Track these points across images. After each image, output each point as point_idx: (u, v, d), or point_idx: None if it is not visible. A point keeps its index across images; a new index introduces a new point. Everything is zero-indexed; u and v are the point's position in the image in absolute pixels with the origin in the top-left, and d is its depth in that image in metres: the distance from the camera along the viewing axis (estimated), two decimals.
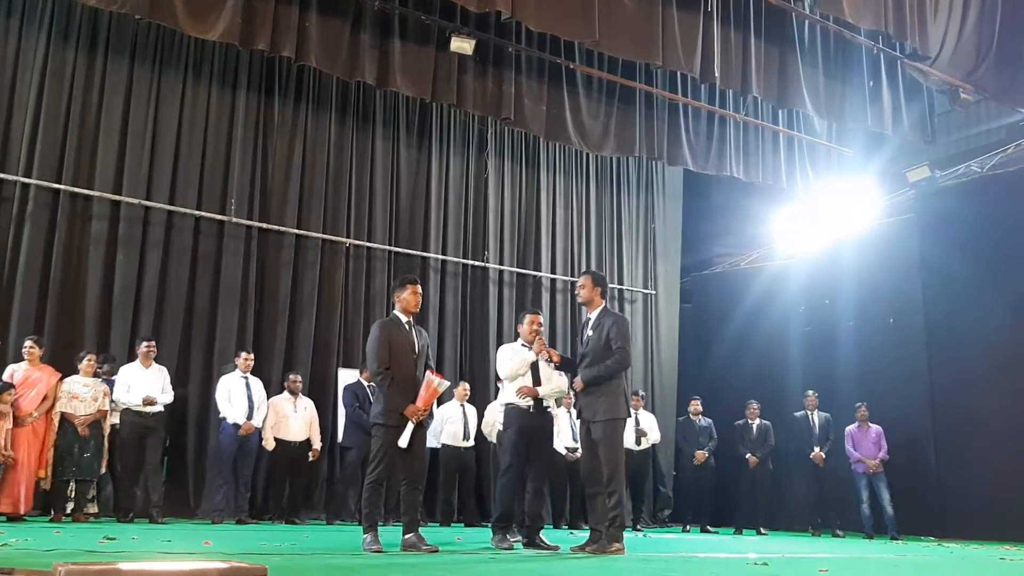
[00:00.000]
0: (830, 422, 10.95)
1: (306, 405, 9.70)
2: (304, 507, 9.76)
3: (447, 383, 5.94)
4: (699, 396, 11.78)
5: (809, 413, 11.05)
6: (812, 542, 9.26)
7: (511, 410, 6.40)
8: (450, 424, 10.12)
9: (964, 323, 10.57)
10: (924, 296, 11.18)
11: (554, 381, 6.46)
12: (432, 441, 9.24)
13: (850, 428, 10.76)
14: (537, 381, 6.39)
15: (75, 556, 4.24)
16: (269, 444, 9.38)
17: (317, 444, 9.69)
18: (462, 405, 10.25)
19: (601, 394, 5.96)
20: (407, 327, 5.79)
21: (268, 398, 9.45)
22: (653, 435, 11.31)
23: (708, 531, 11.18)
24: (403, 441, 5.49)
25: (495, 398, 9.55)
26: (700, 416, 11.54)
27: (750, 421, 11.28)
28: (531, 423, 6.35)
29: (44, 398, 8.02)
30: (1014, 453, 9.74)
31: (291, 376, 9.75)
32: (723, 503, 11.79)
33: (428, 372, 5.69)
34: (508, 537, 6.22)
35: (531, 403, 6.33)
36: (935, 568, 5.34)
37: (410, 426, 5.51)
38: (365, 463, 9.21)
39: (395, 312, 5.88)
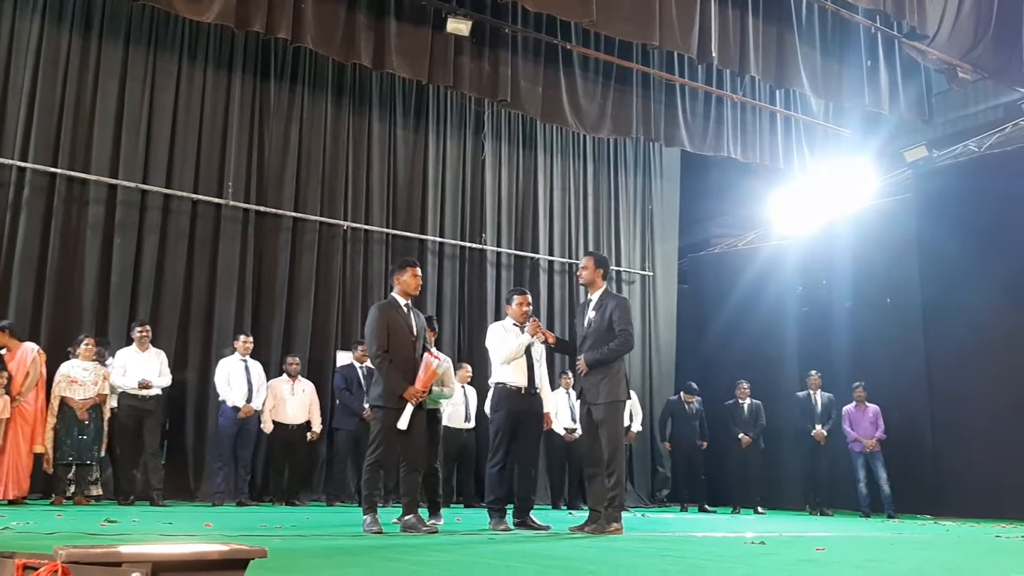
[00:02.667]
0: (833, 402, 10.99)
1: (304, 388, 9.73)
2: (304, 489, 9.80)
3: (446, 364, 5.94)
4: (694, 381, 11.80)
5: (812, 393, 11.09)
6: (809, 521, 9.31)
7: (501, 390, 6.38)
8: (451, 405, 10.13)
9: (961, 302, 10.58)
10: (921, 276, 11.19)
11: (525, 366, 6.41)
12: None
13: (847, 407, 10.82)
14: (530, 364, 6.40)
15: (76, 539, 4.26)
16: (267, 427, 9.42)
17: (317, 426, 9.72)
18: (463, 387, 10.27)
19: (603, 376, 5.98)
20: (405, 309, 5.79)
21: (267, 381, 9.48)
22: (635, 423, 11.24)
23: (706, 510, 11.24)
24: (402, 423, 5.50)
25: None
26: (694, 399, 11.58)
27: (740, 401, 11.34)
28: (521, 405, 6.35)
29: (26, 375, 7.90)
30: (1010, 432, 9.78)
31: (289, 359, 9.77)
32: (719, 483, 11.87)
33: (427, 354, 5.70)
34: (504, 519, 6.24)
35: (523, 384, 6.34)
36: (931, 546, 5.37)
37: (409, 408, 5.52)
38: (357, 444, 9.31)
39: (393, 295, 5.88)
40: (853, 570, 3.42)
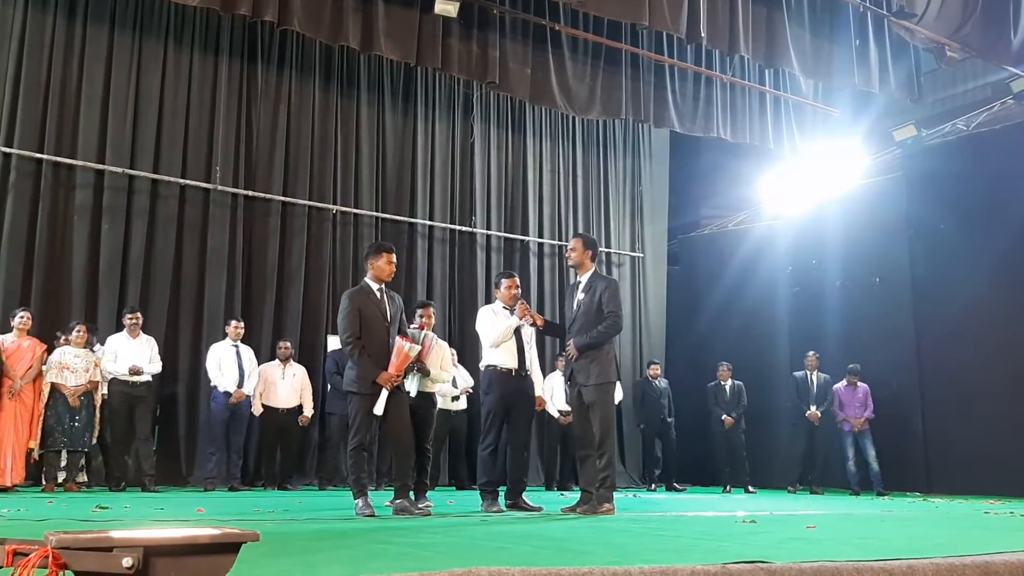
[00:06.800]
0: (828, 382, 11.03)
1: (296, 372, 9.72)
2: (296, 473, 9.81)
3: (419, 348, 5.93)
4: (685, 362, 11.92)
5: (809, 373, 11.12)
6: (799, 499, 9.35)
7: (492, 373, 6.39)
8: (441, 386, 10.10)
9: (950, 281, 10.62)
10: (910, 255, 11.22)
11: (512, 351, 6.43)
12: None
13: (838, 386, 10.87)
14: (520, 346, 6.40)
15: (67, 525, 4.26)
16: (257, 410, 9.42)
17: (308, 410, 9.70)
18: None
19: (593, 359, 5.99)
20: (379, 294, 5.74)
21: (258, 365, 9.47)
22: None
23: (689, 487, 11.37)
24: (378, 409, 5.49)
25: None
26: (658, 378, 11.74)
27: (722, 382, 11.39)
28: (513, 387, 6.36)
29: (29, 368, 8.00)
30: (998, 409, 9.84)
31: (281, 343, 9.76)
32: (705, 464, 11.93)
33: (399, 338, 5.68)
34: (496, 501, 6.26)
35: (514, 366, 6.35)
36: (921, 523, 5.41)
37: (384, 393, 5.51)
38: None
39: (366, 280, 5.82)
40: (844, 547, 3.44)
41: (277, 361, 9.68)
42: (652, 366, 11.98)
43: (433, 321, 7.03)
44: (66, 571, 1.58)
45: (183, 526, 2.23)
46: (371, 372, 5.54)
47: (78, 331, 8.28)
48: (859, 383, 10.76)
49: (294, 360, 9.82)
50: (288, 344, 9.79)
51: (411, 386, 6.46)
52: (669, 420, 11.62)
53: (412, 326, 6.60)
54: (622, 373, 11.44)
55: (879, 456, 10.46)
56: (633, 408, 12.30)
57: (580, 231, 12.33)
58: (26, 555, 1.60)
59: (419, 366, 6.52)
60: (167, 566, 1.60)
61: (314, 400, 9.87)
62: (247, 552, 1.79)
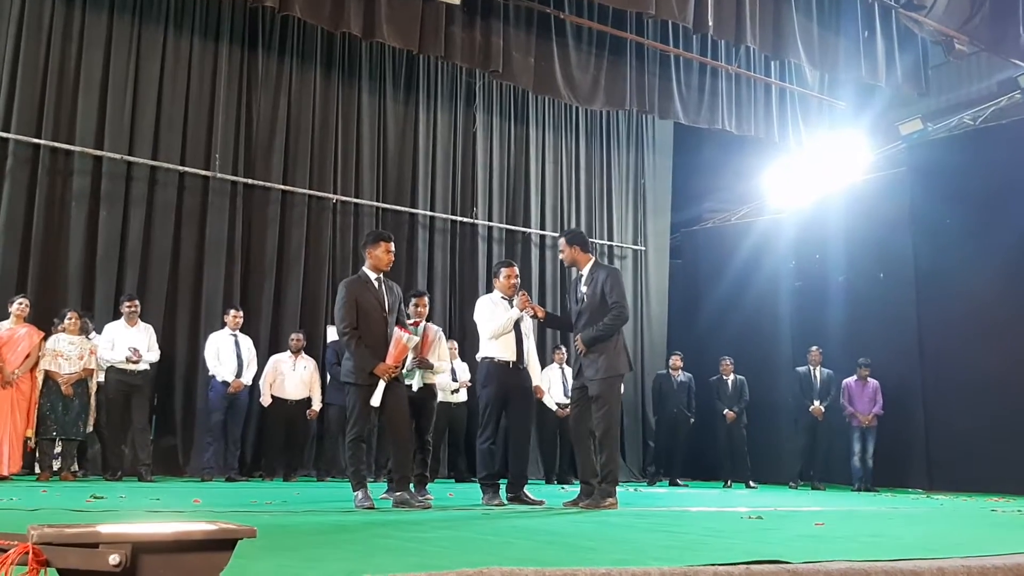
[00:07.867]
0: (832, 378, 10.94)
1: (306, 364, 9.62)
2: (295, 464, 9.72)
3: (416, 339, 5.83)
4: (689, 356, 11.77)
5: (812, 369, 11.03)
6: (802, 495, 9.27)
7: (490, 365, 6.30)
8: (441, 379, 10.02)
9: (954, 276, 10.54)
10: (914, 250, 11.13)
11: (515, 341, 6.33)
12: None
13: (848, 380, 10.80)
14: (518, 338, 6.31)
15: (59, 516, 4.16)
16: (265, 400, 9.35)
17: (317, 404, 9.60)
18: (451, 361, 10.16)
19: (601, 352, 5.88)
20: (376, 284, 5.65)
21: (258, 355, 9.38)
22: None
23: (690, 482, 11.24)
24: (375, 400, 5.40)
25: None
26: (679, 371, 11.53)
27: (724, 377, 11.30)
28: (510, 380, 6.27)
29: (27, 356, 7.91)
30: (1002, 406, 9.76)
31: (293, 335, 9.67)
32: (708, 458, 11.85)
33: (396, 328, 5.58)
34: (498, 495, 6.17)
35: (512, 358, 6.25)
36: (929, 520, 5.33)
37: (381, 384, 5.42)
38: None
39: (364, 269, 5.72)
40: (856, 545, 3.35)
41: (288, 352, 9.58)
42: (673, 357, 11.74)
43: (427, 311, 6.91)
44: (48, 568, 1.48)
45: (179, 518, 2.13)
46: (368, 363, 5.44)
47: (70, 318, 8.19)
48: (869, 378, 10.68)
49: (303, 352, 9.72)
50: (300, 336, 9.67)
51: (414, 380, 6.38)
52: (688, 414, 11.36)
53: (409, 323, 6.51)
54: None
55: (876, 454, 10.41)
56: (652, 401, 12.16)
57: (573, 226, 12.17)
58: (5, 551, 1.50)
59: (422, 362, 6.43)
60: (157, 563, 1.49)
61: None
62: (243, 546, 1.70)
